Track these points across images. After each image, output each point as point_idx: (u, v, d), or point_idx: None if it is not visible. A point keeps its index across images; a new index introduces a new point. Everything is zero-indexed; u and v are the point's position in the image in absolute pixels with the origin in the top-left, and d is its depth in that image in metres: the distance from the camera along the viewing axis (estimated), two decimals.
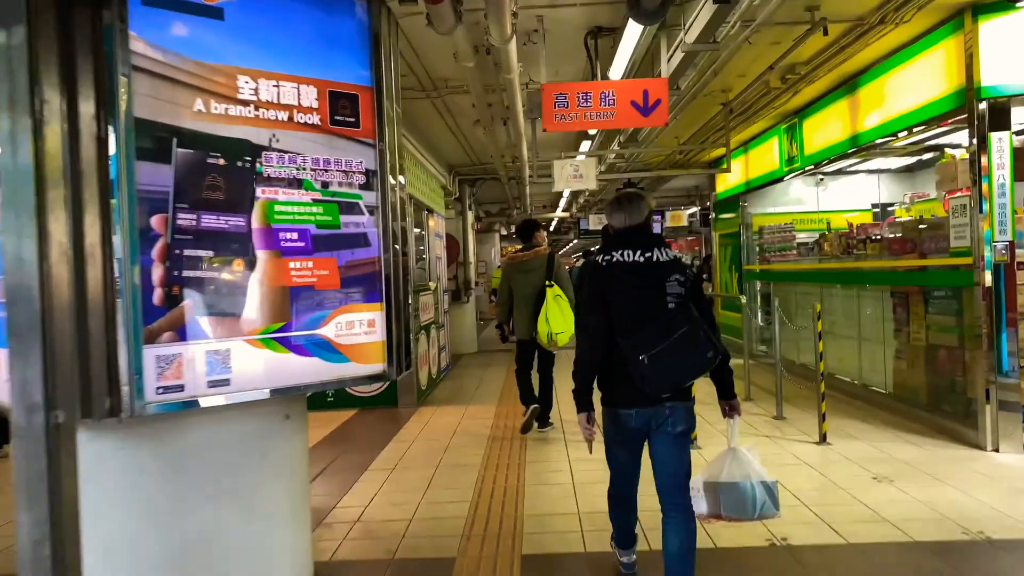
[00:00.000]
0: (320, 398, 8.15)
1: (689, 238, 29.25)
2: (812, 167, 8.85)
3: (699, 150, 11.19)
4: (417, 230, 9.67)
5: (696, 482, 3.22)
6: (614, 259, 3.11)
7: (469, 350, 13.80)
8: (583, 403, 3.15)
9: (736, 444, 3.25)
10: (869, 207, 11.42)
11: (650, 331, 2.94)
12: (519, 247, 6.82)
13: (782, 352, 10.08)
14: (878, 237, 7.45)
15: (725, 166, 9.71)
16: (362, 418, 7.98)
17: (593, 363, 3.12)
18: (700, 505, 3.22)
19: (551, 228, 28.03)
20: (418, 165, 9.24)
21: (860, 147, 7.52)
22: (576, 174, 8.36)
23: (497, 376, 10.57)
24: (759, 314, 11.11)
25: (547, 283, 6.31)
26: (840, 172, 11.16)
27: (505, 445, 6.35)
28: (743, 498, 3.16)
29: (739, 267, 11.96)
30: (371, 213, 3.43)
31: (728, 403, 3.22)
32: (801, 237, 10.79)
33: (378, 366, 3.45)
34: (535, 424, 6.67)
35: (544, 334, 6.23)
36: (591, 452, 3.20)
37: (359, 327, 3.37)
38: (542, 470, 5.49)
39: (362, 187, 3.40)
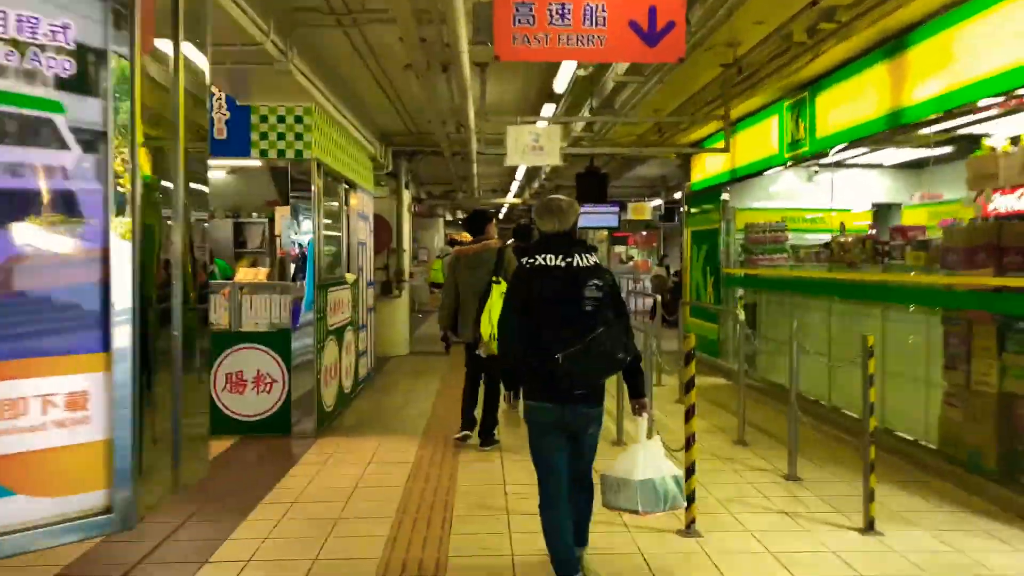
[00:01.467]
0: None
1: (644, 232, 27.44)
2: (826, 152, 7.17)
3: (680, 129, 9.44)
4: (333, 205, 7.66)
5: (613, 477, 3.41)
6: (537, 262, 3.28)
7: (399, 352, 11.83)
8: (509, 384, 3.91)
9: (645, 440, 3.45)
10: (869, 206, 9.87)
11: (567, 331, 3.17)
12: (463, 237, 5.77)
13: (766, 372, 8.57)
14: (922, 242, 5.80)
15: (722, 144, 7.94)
16: (240, 453, 6.04)
17: (512, 358, 3.38)
18: (617, 499, 3.39)
19: (500, 216, 26.19)
20: (332, 123, 7.22)
21: (903, 126, 5.84)
22: (535, 144, 6.52)
23: (427, 390, 8.65)
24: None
25: (493, 279, 5.77)
26: (839, 164, 9.55)
27: (423, 514, 4.49)
28: (657, 493, 3.34)
29: (715, 270, 10.28)
30: (90, 147, 1.51)
31: (638, 402, 3.46)
32: (792, 238, 9.20)
33: (93, 495, 1.54)
34: (477, 438, 6.10)
35: (487, 334, 5.60)
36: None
37: (39, 412, 1.46)
38: None
39: (65, 85, 1.49)
